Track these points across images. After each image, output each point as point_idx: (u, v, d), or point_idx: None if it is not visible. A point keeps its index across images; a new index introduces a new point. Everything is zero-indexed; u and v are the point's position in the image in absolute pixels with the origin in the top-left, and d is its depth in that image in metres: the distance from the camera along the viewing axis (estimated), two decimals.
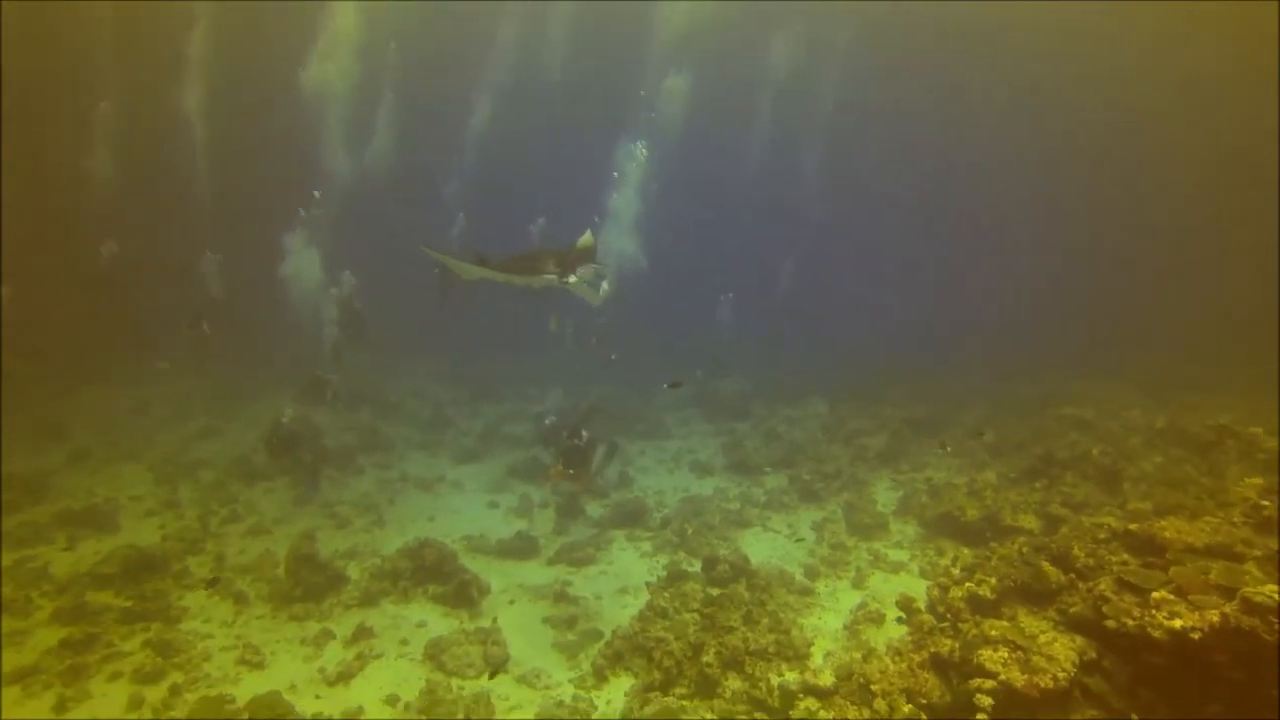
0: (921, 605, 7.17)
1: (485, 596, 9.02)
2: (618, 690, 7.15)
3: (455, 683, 7.31)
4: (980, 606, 6.46)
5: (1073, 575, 6.12)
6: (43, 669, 6.96)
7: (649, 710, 6.60)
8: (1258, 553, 5.46)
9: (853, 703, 5.86)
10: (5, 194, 19.99)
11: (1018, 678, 5.12)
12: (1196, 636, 4.59)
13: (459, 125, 25.53)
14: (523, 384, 20.73)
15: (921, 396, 18.09)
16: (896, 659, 6.19)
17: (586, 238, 8.61)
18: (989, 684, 5.20)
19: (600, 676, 7.40)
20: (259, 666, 7.37)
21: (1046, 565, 6.41)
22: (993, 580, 6.58)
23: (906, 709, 5.53)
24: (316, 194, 15.91)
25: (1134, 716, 4.89)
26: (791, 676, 6.93)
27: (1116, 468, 9.75)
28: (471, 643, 7.85)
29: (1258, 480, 6.40)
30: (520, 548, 10.50)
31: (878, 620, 7.99)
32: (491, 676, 7.20)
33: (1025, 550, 6.88)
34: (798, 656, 7.29)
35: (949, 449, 12.94)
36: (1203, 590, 4.91)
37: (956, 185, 37.45)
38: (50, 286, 17.05)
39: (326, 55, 18.34)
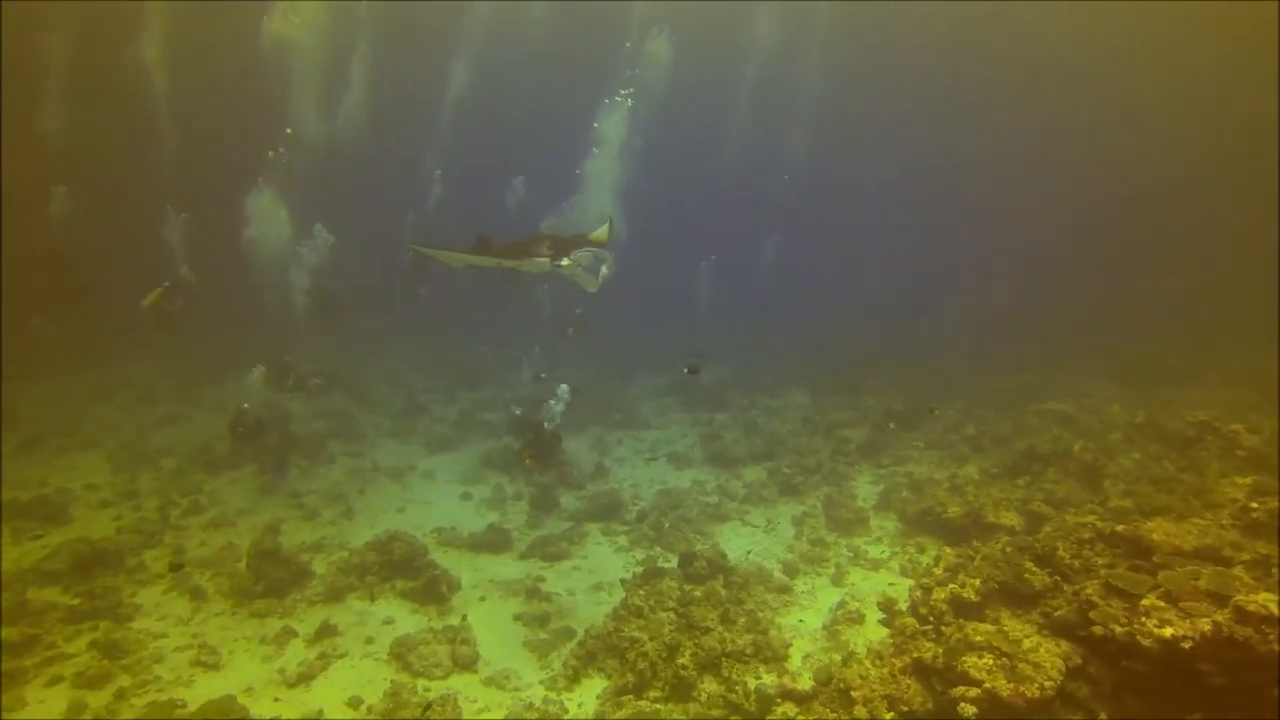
0: (903, 606, 7.00)
1: (455, 592, 8.75)
2: (590, 693, 6.92)
3: (421, 684, 7.05)
4: (963, 609, 6.29)
5: (1057, 577, 5.96)
6: None
7: (622, 714, 6.38)
8: (1246, 556, 5.34)
9: (832, 709, 5.67)
10: None
11: (1003, 686, 4.95)
12: (1188, 646, 4.43)
13: (435, 88, 24.47)
14: (502, 370, 20.37)
15: (902, 387, 18.02)
16: (878, 663, 6.01)
17: (602, 230, 8.23)
18: (973, 692, 5.02)
19: (572, 678, 7.17)
20: (214, 668, 7.04)
21: (1030, 566, 6.25)
22: (976, 582, 6.42)
23: (888, 717, 5.35)
24: (289, 131, 15.07)
25: None
26: (769, 679, 6.74)
27: (1098, 464, 9.65)
28: (439, 642, 7.58)
29: (1246, 480, 6.28)
30: (493, 541, 10.22)
31: (858, 620, 7.82)
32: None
33: (1009, 550, 6.72)
34: (776, 658, 7.11)
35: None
36: (1193, 597, 4.76)
37: (940, 171, 37.31)
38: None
39: (292, 8, 17.23)
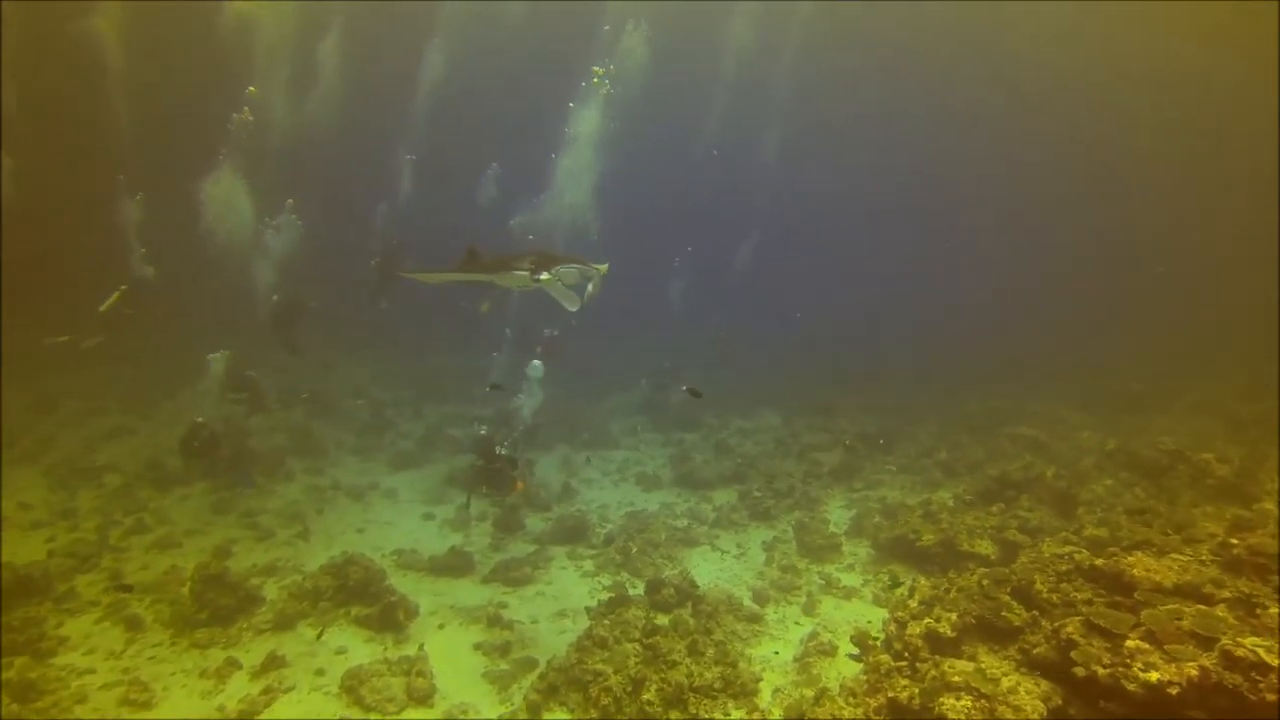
0: (877, 641, 6.78)
1: (413, 620, 8.34)
2: None
3: (373, 719, 6.64)
4: (939, 645, 6.09)
5: (1035, 612, 5.79)
6: None
7: None
8: (1228, 594, 5.20)
9: None
10: None
11: None
12: (1174, 692, 4.25)
13: (408, 76, 23.57)
14: (469, 383, 19.94)
15: (873, 408, 18.00)
16: (851, 702, 5.77)
17: (601, 267, 7.91)
18: None
19: (533, 712, 6.81)
20: (145, 706, 6.54)
21: (1008, 601, 6.08)
22: (952, 616, 6.22)
23: None
24: (251, 89, 14.34)
25: None
26: (738, 716, 6.46)
27: (1071, 491, 9.60)
28: (394, 673, 7.18)
29: (1225, 513, 6.18)
30: (454, 565, 9.82)
31: (830, 652, 7.57)
32: None
33: (985, 583, 6.55)
34: (745, 693, 6.81)
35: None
36: (1178, 639, 4.60)
37: (914, 180, 37.57)
38: None
39: None
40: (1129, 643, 4.66)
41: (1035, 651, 5.31)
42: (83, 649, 7.41)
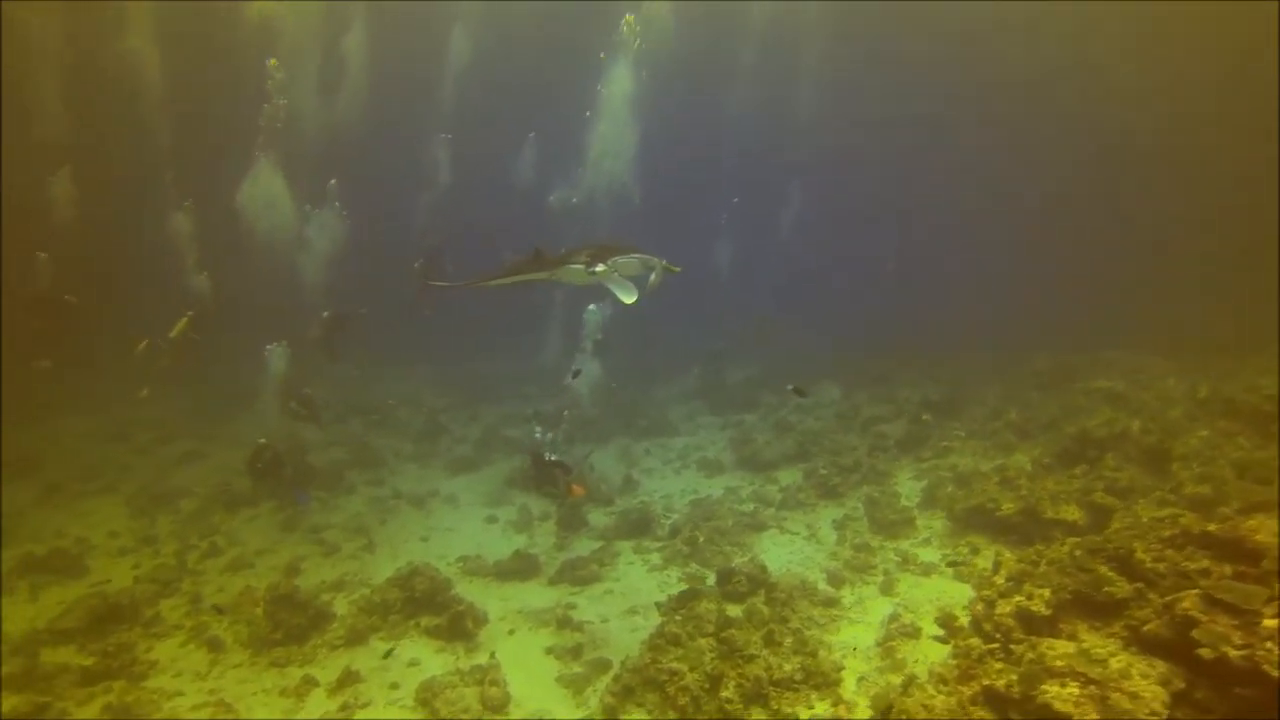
0: (964, 620, 6.40)
1: (482, 627, 8.29)
2: None
3: None
4: (1033, 624, 5.67)
5: (1140, 584, 5.33)
6: None
7: None
8: None
9: None
10: None
11: None
12: None
13: (437, 57, 23.09)
14: (521, 384, 19.99)
15: (934, 376, 17.27)
16: (943, 690, 5.42)
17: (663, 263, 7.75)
18: None
19: (609, 715, 6.66)
20: None
21: (1106, 572, 5.62)
22: (1045, 592, 5.79)
23: None
24: (271, 62, 13.88)
25: None
26: (822, 709, 6.20)
27: (1162, 446, 8.92)
28: (467, 684, 7.13)
29: None
30: (519, 568, 9.76)
31: (913, 634, 7.21)
32: None
33: (1078, 554, 6.08)
34: (828, 684, 6.53)
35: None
36: None
37: (946, 159, 35.87)
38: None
39: None
40: (1267, 621, 4.19)
41: (1146, 629, 4.86)
42: (171, 671, 7.59)
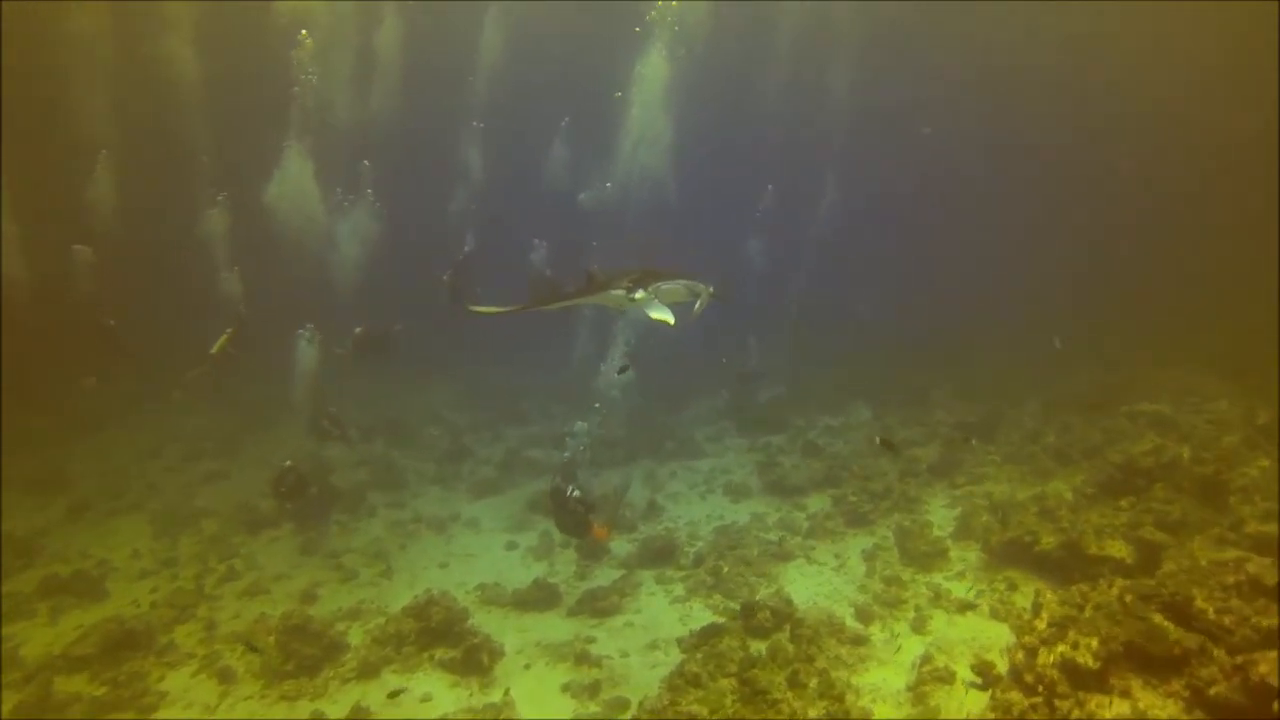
0: (1002, 668, 5.99)
1: (498, 661, 8.04)
2: None
3: None
4: (1080, 677, 5.24)
5: (1203, 637, 4.90)
6: None
7: None
8: None
9: None
10: None
11: None
12: None
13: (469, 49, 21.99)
14: (547, 401, 19.79)
15: (969, 394, 16.71)
16: None
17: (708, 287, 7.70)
18: None
19: None
20: None
21: (1162, 622, 5.19)
22: (1093, 642, 5.35)
23: None
24: (302, 34, 13.78)
25: None
26: None
27: (1218, 477, 8.37)
28: None
29: None
30: (539, 598, 9.50)
31: (947, 680, 6.77)
32: None
33: (1129, 599, 5.64)
34: None
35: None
36: None
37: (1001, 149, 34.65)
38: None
39: None
40: None
41: (1213, 692, 4.44)
42: (181, 703, 7.47)
